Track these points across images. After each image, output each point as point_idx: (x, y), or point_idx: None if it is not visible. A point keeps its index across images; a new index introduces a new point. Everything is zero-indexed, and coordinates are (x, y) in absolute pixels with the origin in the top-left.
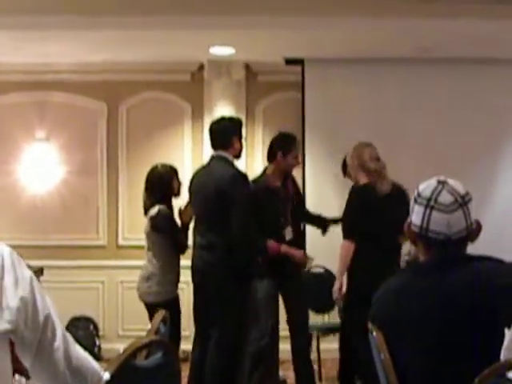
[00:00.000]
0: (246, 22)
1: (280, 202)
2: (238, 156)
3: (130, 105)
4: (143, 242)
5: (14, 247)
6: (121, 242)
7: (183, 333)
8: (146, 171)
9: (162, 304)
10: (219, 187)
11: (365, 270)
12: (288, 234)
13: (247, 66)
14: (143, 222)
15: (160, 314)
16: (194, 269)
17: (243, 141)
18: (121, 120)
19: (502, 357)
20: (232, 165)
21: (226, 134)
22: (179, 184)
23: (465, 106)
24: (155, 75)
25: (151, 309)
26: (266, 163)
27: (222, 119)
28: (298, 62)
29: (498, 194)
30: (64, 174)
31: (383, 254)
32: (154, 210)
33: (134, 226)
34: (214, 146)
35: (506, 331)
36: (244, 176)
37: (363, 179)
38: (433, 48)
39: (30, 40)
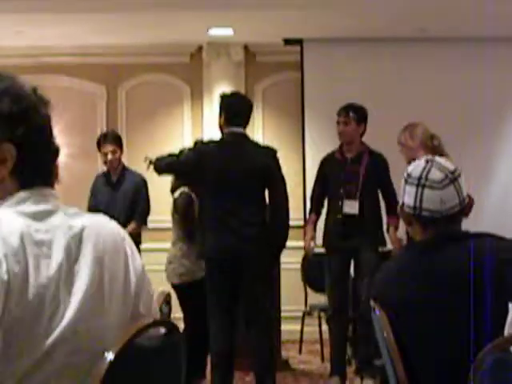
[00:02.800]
0: (245, 3)
1: (341, 172)
2: None
3: (129, 87)
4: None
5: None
6: None
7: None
8: (146, 153)
9: (186, 285)
10: (264, 165)
11: None
12: (348, 206)
13: (246, 47)
14: None
15: (162, 294)
16: (222, 248)
17: None
18: (120, 102)
19: (506, 331)
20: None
21: (249, 112)
22: None
23: (463, 84)
24: (154, 57)
25: (177, 291)
26: (265, 142)
27: (242, 96)
28: (297, 42)
29: (499, 169)
30: (64, 158)
31: None
32: (177, 193)
33: None
34: (238, 123)
35: (510, 306)
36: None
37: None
38: (430, 28)
39: (30, 24)
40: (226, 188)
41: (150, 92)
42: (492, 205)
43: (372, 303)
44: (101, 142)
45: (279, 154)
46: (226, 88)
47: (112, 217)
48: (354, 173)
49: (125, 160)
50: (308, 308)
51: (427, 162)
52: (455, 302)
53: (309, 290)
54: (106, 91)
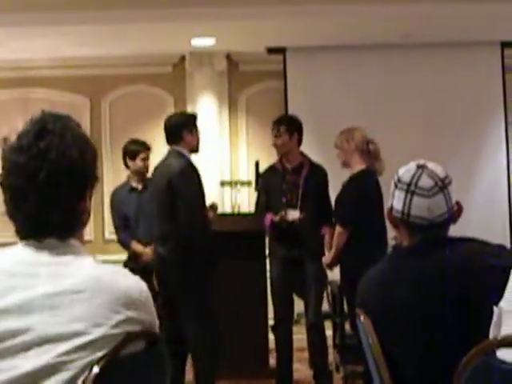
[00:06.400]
0: (227, 13)
1: (283, 182)
2: (194, 150)
3: (113, 99)
4: None
5: (2, 245)
6: (107, 236)
7: None
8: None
9: None
10: (169, 179)
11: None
12: (290, 216)
13: (229, 57)
14: None
15: None
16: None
17: (199, 134)
18: (104, 114)
19: (491, 334)
20: (182, 157)
21: (175, 129)
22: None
23: (447, 89)
24: (137, 68)
25: None
26: (249, 151)
27: (174, 115)
28: (280, 50)
29: (485, 170)
30: None
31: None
32: None
33: None
34: (168, 141)
35: (495, 309)
36: (193, 167)
37: (359, 164)
38: (413, 34)
39: (13, 37)
40: (152, 205)
41: (134, 103)
42: (478, 207)
43: (357, 310)
44: None
45: (263, 162)
46: (209, 97)
47: None
48: (294, 183)
49: (110, 171)
50: (295, 316)
51: (418, 167)
52: (436, 308)
53: (295, 298)
54: (89, 103)
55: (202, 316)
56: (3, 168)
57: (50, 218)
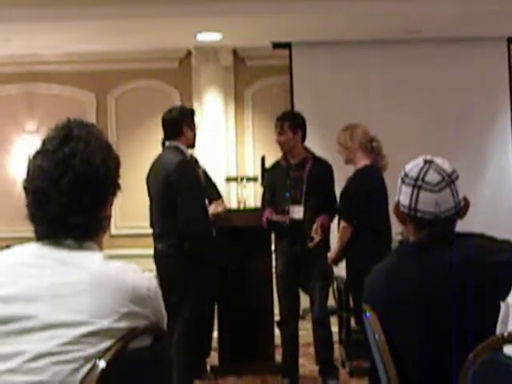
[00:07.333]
0: (233, 8)
1: (287, 178)
2: (192, 145)
3: (119, 94)
4: (136, 231)
5: (8, 240)
6: (114, 231)
7: None
8: (136, 160)
9: None
10: (166, 175)
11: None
12: (294, 212)
13: (235, 52)
14: (135, 211)
15: None
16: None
17: (196, 130)
18: (110, 109)
19: (498, 330)
20: (181, 152)
21: (175, 124)
22: None
23: (452, 85)
24: (143, 64)
25: None
26: (255, 146)
27: (173, 109)
28: (286, 45)
29: (491, 169)
30: None
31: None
32: None
33: (126, 214)
34: (166, 136)
35: (501, 305)
36: (190, 162)
37: (363, 160)
38: (418, 29)
39: (19, 32)
40: (152, 201)
41: (140, 98)
42: (484, 205)
43: (363, 305)
44: None
45: (269, 158)
46: (215, 93)
47: None
48: (298, 178)
49: None
50: (301, 311)
51: (425, 162)
52: (442, 304)
53: (301, 294)
54: (95, 98)
55: (192, 315)
56: (27, 172)
57: (70, 223)
